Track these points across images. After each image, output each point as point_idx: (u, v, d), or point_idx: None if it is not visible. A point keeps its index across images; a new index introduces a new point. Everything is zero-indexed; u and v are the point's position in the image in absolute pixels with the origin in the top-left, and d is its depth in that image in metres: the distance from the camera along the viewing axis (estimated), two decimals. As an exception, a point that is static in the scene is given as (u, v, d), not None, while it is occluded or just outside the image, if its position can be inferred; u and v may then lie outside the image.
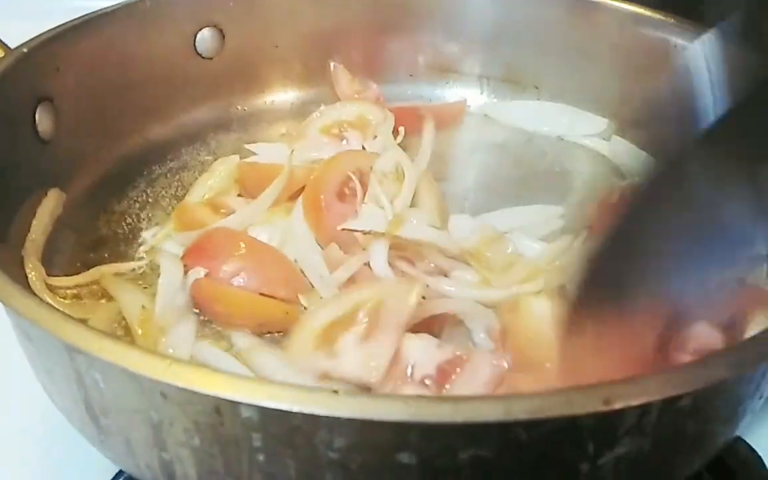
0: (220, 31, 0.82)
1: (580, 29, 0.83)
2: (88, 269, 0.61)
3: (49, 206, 0.62)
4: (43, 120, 0.64)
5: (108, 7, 0.72)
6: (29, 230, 0.60)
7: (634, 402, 0.31)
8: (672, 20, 0.78)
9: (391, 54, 0.89)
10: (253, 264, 0.57)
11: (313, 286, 0.59)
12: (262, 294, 0.56)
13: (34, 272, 0.56)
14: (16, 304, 0.37)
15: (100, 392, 0.37)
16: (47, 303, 0.37)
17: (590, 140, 0.85)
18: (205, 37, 0.81)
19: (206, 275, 0.56)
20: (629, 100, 0.82)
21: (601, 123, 0.85)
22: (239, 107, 0.85)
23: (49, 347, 0.38)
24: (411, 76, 0.91)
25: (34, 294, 0.37)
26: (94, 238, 0.66)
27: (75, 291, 0.59)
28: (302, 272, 0.60)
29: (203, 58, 0.81)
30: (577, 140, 0.85)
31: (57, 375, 0.41)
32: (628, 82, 0.80)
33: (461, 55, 0.89)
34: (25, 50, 0.62)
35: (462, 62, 0.90)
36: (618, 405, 0.31)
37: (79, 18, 0.69)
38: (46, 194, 0.63)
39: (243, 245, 0.59)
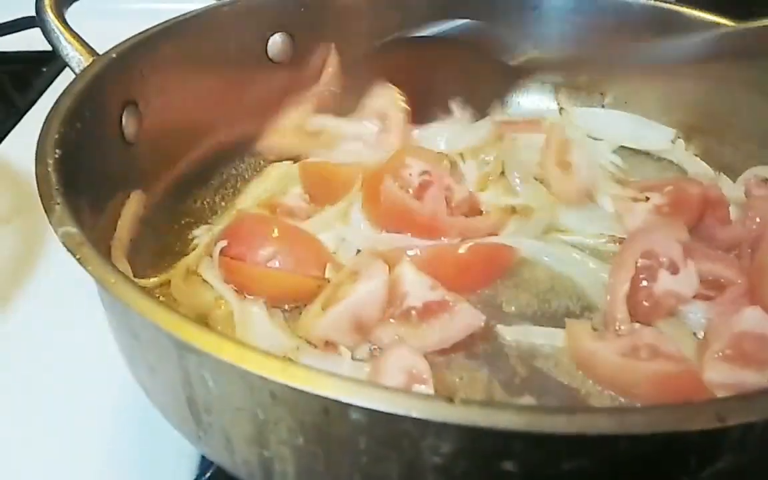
0: (291, 36, 0.83)
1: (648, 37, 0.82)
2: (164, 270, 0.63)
3: (132, 207, 0.64)
4: (129, 123, 0.66)
5: (187, 12, 0.74)
6: (115, 230, 0.63)
7: (748, 419, 0.31)
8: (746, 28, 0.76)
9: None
10: (286, 246, 0.62)
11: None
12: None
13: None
14: (131, 301, 0.38)
15: (207, 390, 0.38)
16: (158, 300, 0.38)
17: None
18: (277, 42, 0.83)
19: (242, 259, 0.60)
20: (697, 108, 0.82)
21: (667, 133, 0.84)
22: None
23: (158, 345, 0.40)
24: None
25: (149, 294, 0.38)
26: (170, 240, 0.69)
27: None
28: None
29: (274, 62, 0.83)
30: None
31: (161, 372, 0.42)
32: (697, 92, 0.80)
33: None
34: (114, 56, 0.64)
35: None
36: (732, 422, 0.31)
37: (160, 24, 0.71)
38: (128, 196, 0.65)
39: (276, 229, 0.63)
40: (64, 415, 0.59)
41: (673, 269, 0.59)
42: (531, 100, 0.92)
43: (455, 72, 0.86)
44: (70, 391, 0.61)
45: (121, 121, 0.65)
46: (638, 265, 0.59)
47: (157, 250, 0.67)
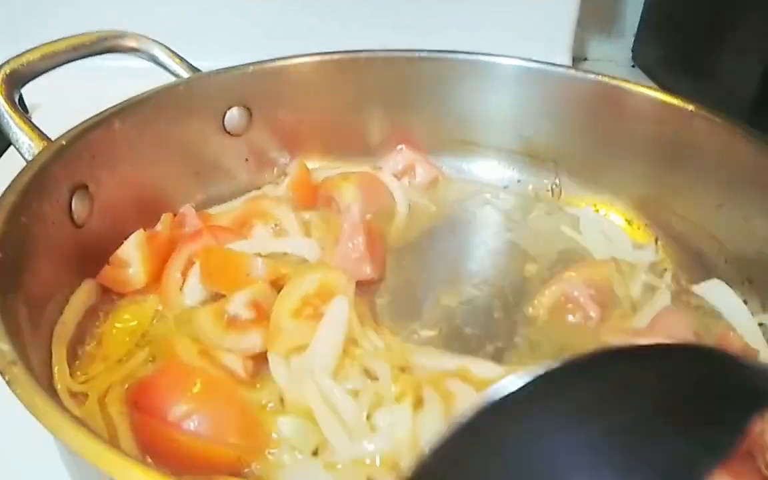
0: (248, 109, 0.84)
1: (603, 112, 0.84)
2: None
3: (82, 296, 0.64)
4: (78, 207, 0.66)
5: (143, 92, 0.75)
6: (61, 314, 0.62)
7: None
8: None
9: (414, 129, 0.92)
10: (206, 406, 0.53)
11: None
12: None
13: (59, 371, 0.56)
14: (56, 431, 0.38)
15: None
16: (82, 425, 0.38)
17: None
18: (234, 116, 0.83)
19: (156, 416, 0.52)
20: (652, 184, 0.83)
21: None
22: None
23: (93, 474, 0.40)
24: (431, 151, 0.94)
25: (80, 424, 0.38)
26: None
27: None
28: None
29: (231, 135, 0.84)
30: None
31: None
32: (652, 169, 0.82)
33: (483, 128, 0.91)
34: (63, 142, 0.64)
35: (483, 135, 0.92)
36: None
37: (114, 106, 0.71)
38: (79, 283, 0.65)
39: (198, 384, 0.54)
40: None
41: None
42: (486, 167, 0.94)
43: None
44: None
45: (70, 206, 0.65)
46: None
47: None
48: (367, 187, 0.84)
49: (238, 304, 0.63)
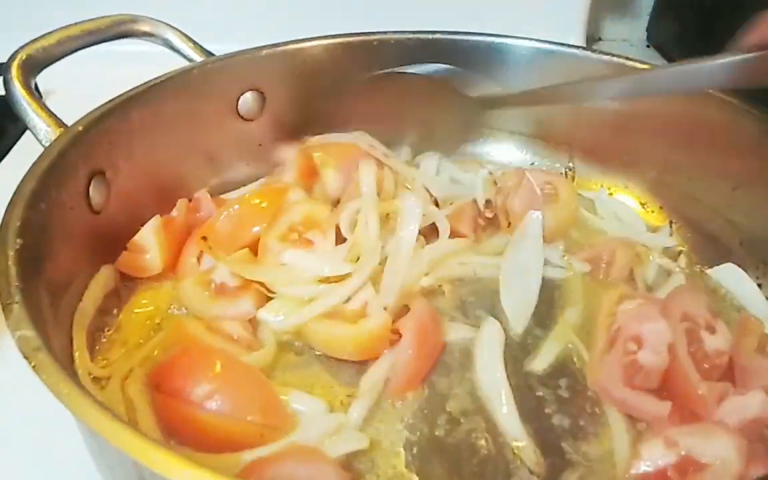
0: (261, 93, 0.84)
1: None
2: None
3: (101, 281, 0.65)
4: (96, 193, 0.66)
5: (158, 77, 0.75)
6: (81, 299, 0.63)
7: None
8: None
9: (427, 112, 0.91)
10: (228, 386, 0.54)
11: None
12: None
13: (80, 356, 0.57)
14: (81, 414, 0.39)
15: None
16: (105, 409, 0.38)
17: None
18: (248, 100, 0.84)
19: (178, 398, 0.53)
20: (666, 166, 0.83)
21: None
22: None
23: (113, 452, 0.41)
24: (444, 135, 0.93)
25: (103, 407, 0.39)
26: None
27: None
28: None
29: (245, 119, 0.84)
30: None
31: (119, 473, 0.43)
32: (666, 152, 0.81)
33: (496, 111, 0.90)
34: (80, 128, 0.65)
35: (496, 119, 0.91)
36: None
37: (129, 90, 0.72)
38: (98, 268, 0.65)
39: (218, 364, 0.55)
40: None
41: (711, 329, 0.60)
42: (501, 150, 0.93)
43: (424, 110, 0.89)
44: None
45: (88, 192, 0.65)
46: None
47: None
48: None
49: (223, 272, 0.66)
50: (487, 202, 0.82)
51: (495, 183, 0.84)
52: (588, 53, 0.86)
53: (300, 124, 0.88)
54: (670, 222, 0.82)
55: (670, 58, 1.30)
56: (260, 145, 0.87)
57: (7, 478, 0.57)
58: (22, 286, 0.47)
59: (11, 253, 0.50)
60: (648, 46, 1.43)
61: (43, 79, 0.71)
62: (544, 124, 0.90)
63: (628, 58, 0.83)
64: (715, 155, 0.77)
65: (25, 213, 0.54)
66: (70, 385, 0.40)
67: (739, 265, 0.73)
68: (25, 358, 0.42)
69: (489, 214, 0.81)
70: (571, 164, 0.90)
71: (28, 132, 0.66)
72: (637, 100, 0.81)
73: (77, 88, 0.85)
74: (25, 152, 0.60)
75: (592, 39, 1.43)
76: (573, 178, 0.90)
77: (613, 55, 0.84)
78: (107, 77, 0.79)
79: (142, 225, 0.72)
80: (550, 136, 0.90)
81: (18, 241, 0.51)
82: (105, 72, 0.87)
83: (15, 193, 0.56)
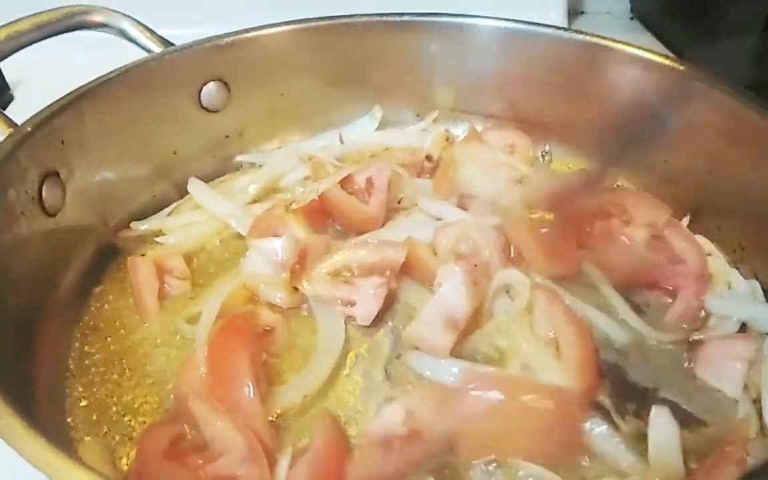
0: (225, 83, 0.82)
1: (592, 74, 0.81)
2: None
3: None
4: (50, 195, 0.64)
5: (112, 71, 0.72)
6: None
7: None
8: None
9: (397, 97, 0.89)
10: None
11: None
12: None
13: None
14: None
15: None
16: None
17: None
18: (211, 91, 0.81)
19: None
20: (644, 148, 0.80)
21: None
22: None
23: None
24: (418, 115, 0.91)
25: None
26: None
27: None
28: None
29: (209, 111, 0.82)
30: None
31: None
32: (643, 132, 0.78)
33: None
34: (29, 129, 0.63)
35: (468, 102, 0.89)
36: None
37: (80, 87, 0.69)
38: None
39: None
40: None
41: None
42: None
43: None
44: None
45: (41, 195, 0.63)
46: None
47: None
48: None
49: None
50: (428, 156, 0.85)
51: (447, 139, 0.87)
52: (560, 32, 0.83)
53: (266, 115, 0.86)
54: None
55: (654, 31, 1.27)
56: (227, 136, 0.85)
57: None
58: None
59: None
60: (632, 19, 1.39)
61: (10, 69, 0.68)
62: (519, 105, 0.87)
63: (602, 38, 0.80)
64: (693, 135, 0.74)
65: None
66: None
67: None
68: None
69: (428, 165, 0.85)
70: (547, 147, 0.88)
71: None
72: (612, 81, 0.79)
73: (52, 77, 0.80)
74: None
75: (575, 12, 1.39)
76: (550, 161, 0.88)
77: (587, 34, 0.81)
78: (83, 63, 0.75)
79: (105, 225, 0.70)
80: (525, 117, 0.88)
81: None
82: (80, 58, 0.83)
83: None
